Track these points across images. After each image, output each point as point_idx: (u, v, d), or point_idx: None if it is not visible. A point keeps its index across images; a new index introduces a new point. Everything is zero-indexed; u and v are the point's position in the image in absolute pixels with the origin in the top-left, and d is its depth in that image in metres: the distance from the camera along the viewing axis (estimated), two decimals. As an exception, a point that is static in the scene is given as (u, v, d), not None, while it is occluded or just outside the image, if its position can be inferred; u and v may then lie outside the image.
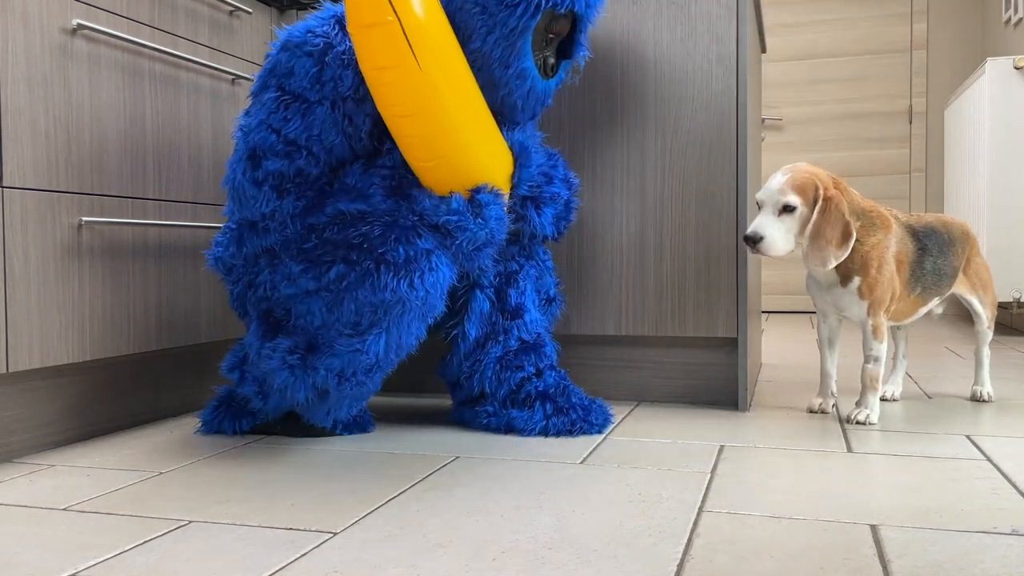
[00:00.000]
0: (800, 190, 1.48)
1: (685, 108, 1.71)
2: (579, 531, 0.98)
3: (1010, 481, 1.18)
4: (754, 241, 1.46)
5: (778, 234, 1.47)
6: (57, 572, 0.87)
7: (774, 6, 4.51)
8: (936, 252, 1.61)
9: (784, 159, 4.50)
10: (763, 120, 4.52)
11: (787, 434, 1.49)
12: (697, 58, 1.70)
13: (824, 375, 1.68)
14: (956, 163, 3.68)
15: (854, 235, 1.47)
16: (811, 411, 1.68)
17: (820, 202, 1.46)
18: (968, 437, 1.46)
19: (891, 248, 1.54)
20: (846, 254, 1.47)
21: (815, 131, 4.46)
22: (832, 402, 1.68)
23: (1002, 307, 3.68)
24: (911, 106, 4.33)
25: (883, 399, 1.82)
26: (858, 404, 1.60)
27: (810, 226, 1.47)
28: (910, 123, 4.34)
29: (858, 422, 1.56)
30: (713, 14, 1.69)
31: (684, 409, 1.73)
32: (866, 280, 1.52)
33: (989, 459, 1.30)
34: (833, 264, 1.48)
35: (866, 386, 1.59)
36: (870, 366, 1.58)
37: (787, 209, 1.47)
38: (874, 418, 1.56)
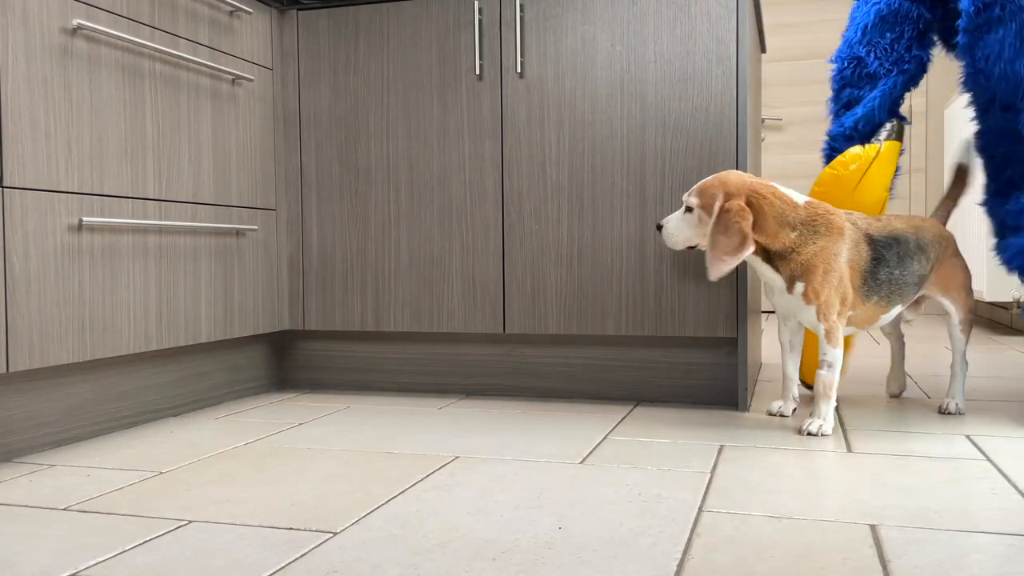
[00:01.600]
0: (700, 194, 1.51)
1: (685, 108, 1.71)
2: (579, 531, 0.98)
3: (1010, 481, 1.18)
4: (659, 227, 1.58)
5: (675, 227, 1.55)
6: (57, 572, 0.87)
7: (774, 6, 4.51)
8: (894, 262, 1.55)
9: (784, 159, 4.50)
10: (763, 120, 4.52)
11: (787, 434, 1.49)
12: (697, 58, 1.70)
13: (785, 378, 1.66)
14: (956, 163, 3.68)
15: (749, 248, 1.46)
16: (770, 414, 1.66)
17: (717, 213, 1.48)
18: (968, 437, 1.46)
19: (841, 254, 1.50)
20: (736, 263, 1.46)
21: (815, 131, 4.46)
22: (793, 406, 1.65)
23: (1002, 307, 3.67)
24: (911, 106, 4.33)
25: (945, 412, 1.67)
26: (811, 414, 1.52)
27: (708, 234, 1.50)
28: (910, 123, 4.34)
29: (809, 433, 1.48)
30: (713, 14, 1.69)
31: (684, 409, 1.73)
32: (811, 285, 1.48)
33: (989, 459, 1.30)
34: (723, 271, 1.47)
35: (819, 394, 1.51)
36: (823, 372, 1.51)
37: (688, 209, 1.53)
38: (827, 428, 1.48)
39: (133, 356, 1.60)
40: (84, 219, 1.41)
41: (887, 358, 2.56)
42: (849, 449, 1.37)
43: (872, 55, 1.84)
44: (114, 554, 0.92)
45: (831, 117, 1.92)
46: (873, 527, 0.98)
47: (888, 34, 1.83)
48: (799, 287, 1.50)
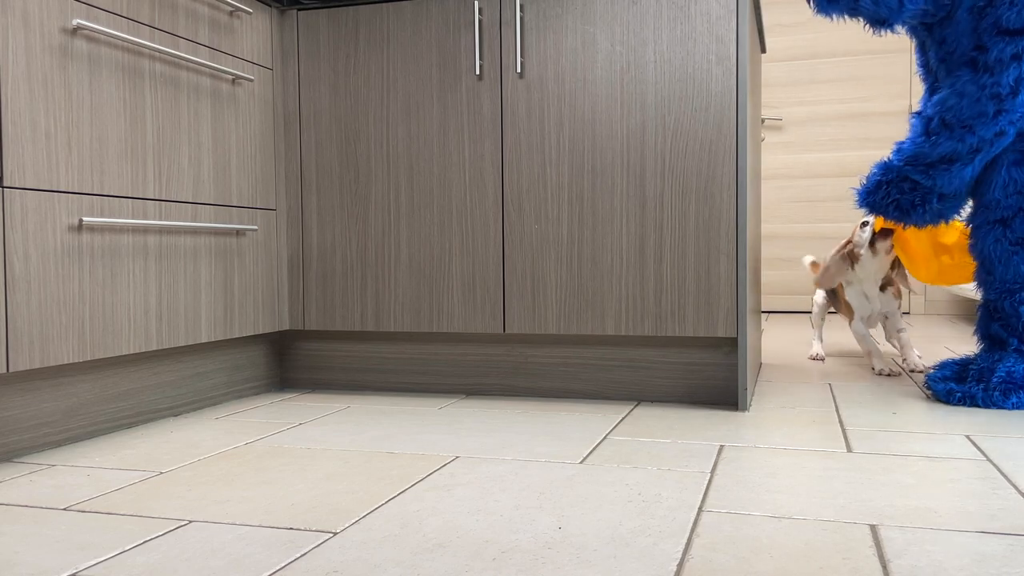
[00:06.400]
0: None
1: (685, 108, 1.71)
2: (579, 531, 0.98)
3: (1010, 481, 1.18)
4: None
5: None
6: (57, 572, 0.87)
7: (774, 6, 4.51)
8: None
9: (784, 159, 4.50)
10: (763, 120, 4.52)
11: (787, 434, 1.49)
12: (697, 58, 1.70)
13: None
14: (956, 163, 3.68)
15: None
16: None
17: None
18: (968, 437, 1.46)
19: None
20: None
21: (815, 131, 4.46)
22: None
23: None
24: (911, 106, 4.33)
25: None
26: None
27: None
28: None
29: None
30: (713, 14, 1.69)
31: (684, 409, 1.73)
32: None
33: (989, 459, 1.30)
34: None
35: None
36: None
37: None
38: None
39: (133, 356, 1.60)
40: (84, 219, 1.41)
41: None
42: (849, 449, 1.38)
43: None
44: (114, 554, 0.92)
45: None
46: (873, 527, 0.98)
47: None
48: None
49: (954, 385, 1.78)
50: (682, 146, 1.72)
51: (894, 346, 2.46)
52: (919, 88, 4.31)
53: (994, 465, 1.27)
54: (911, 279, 2.55)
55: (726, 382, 1.78)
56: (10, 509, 1.09)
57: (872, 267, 2.26)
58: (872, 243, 2.23)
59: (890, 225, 2.15)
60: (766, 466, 1.27)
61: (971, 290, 3.19)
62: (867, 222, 2.23)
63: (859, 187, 1.92)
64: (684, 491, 1.14)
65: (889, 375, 2.18)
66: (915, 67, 4.31)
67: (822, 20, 4.43)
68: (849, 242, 2.30)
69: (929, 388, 1.85)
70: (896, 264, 2.30)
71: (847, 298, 2.35)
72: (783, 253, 4.52)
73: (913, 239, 2.15)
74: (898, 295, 2.29)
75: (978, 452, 1.35)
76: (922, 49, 1.95)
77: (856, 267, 2.29)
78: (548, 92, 1.79)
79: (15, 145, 1.30)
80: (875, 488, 1.15)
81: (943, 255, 2.13)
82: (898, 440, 1.44)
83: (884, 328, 2.42)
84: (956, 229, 2.08)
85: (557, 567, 0.87)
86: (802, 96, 4.47)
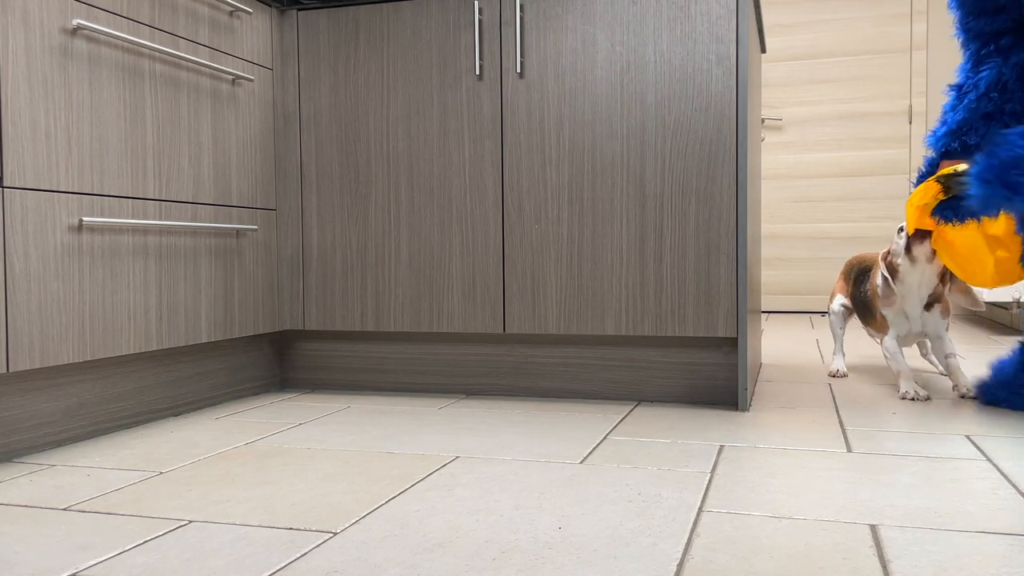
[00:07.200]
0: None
1: (685, 108, 1.71)
2: (579, 531, 0.98)
3: (1010, 481, 1.18)
4: None
5: None
6: (57, 572, 0.87)
7: (774, 6, 4.51)
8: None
9: (784, 159, 4.50)
10: (763, 120, 4.51)
11: (787, 434, 1.49)
12: (697, 58, 1.70)
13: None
14: (956, 163, 3.68)
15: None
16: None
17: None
18: (968, 437, 1.46)
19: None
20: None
21: (815, 131, 4.46)
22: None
23: (1002, 307, 3.68)
24: (911, 106, 4.33)
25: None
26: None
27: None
28: (910, 123, 4.34)
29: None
30: (713, 14, 1.69)
31: (684, 409, 1.73)
32: None
33: (989, 459, 1.30)
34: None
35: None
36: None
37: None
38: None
39: (133, 356, 1.60)
40: (84, 219, 1.41)
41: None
42: (849, 449, 1.38)
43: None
44: (114, 554, 0.92)
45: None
46: (873, 527, 0.98)
47: None
48: None
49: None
50: (682, 146, 1.72)
51: (931, 363, 2.30)
52: (919, 88, 4.31)
53: (994, 465, 1.27)
54: (977, 292, 2.09)
55: (726, 382, 1.78)
56: (10, 509, 1.09)
57: (912, 280, 1.89)
58: (908, 249, 1.85)
59: (927, 225, 1.77)
60: (766, 466, 1.27)
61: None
62: (903, 227, 1.89)
63: (979, 179, 1.52)
64: (684, 491, 1.14)
65: (914, 399, 1.82)
66: (917, 65, 4.31)
67: (822, 20, 4.43)
68: (889, 252, 1.95)
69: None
70: (948, 277, 1.93)
71: (883, 312, 2.00)
72: (783, 253, 4.52)
73: (958, 237, 1.78)
74: (947, 312, 1.96)
75: (978, 452, 1.35)
76: (971, 10, 1.77)
77: (895, 282, 1.91)
78: (548, 92, 1.79)
79: (15, 145, 1.30)
80: (875, 488, 1.15)
81: (997, 249, 1.77)
82: (898, 440, 1.44)
83: (932, 351, 2.07)
84: (1003, 217, 1.75)
85: (557, 567, 0.87)
86: (802, 96, 4.47)
